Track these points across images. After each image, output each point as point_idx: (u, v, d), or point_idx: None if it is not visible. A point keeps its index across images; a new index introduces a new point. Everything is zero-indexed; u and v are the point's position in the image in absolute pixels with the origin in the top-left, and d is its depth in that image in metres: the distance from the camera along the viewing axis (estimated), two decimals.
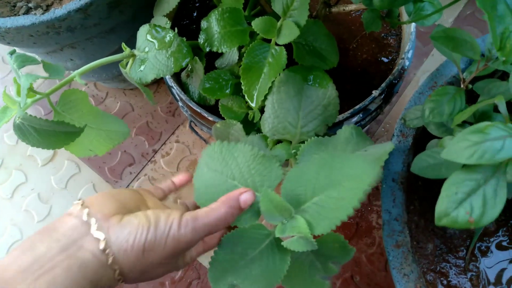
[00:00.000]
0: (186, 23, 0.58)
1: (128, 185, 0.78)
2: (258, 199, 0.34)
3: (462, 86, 0.36)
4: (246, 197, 0.33)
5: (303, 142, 0.39)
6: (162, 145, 0.81)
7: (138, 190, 0.36)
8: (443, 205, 0.27)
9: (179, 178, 0.43)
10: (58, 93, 0.47)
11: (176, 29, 0.45)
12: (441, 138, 0.36)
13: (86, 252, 0.27)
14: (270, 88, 0.41)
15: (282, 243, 0.31)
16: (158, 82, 0.85)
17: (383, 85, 0.46)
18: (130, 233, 0.29)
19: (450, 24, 0.83)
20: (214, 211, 0.31)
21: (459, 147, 0.26)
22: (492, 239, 0.38)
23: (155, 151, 0.81)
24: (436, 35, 0.33)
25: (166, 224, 0.30)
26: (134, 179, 0.79)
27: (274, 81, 0.41)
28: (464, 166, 0.29)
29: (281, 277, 0.30)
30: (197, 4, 0.60)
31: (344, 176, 0.29)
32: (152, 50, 0.42)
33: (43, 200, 0.80)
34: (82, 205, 0.30)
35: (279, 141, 0.42)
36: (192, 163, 0.79)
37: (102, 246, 0.28)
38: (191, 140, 0.81)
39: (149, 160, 0.80)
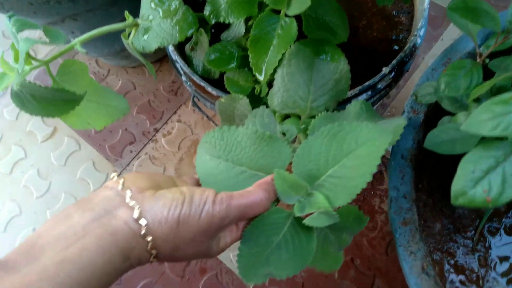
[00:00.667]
0: None
1: (128, 164, 0.78)
2: None
3: (478, 60, 0.34)
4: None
5: (312, 117, 0.38)
6: (163, 124, 0.80)
7: (171, 176, 0.35)
8: (459, 183, 0.26)
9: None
10: (57, 64, 0.45)
11: None
12: (454, 114, 0.35)
13: (119, 220, 0.27)
14: (280, 61, 0.40)
15: (303, 221, 0.30)
16: (161, 60, 0.84)
17: (394, 62, 0.45)
18: (164, 204, 0.28)
19: None
20: (249, 193, 0.30)
21: (481, 119, 0.24)
22: (502, 220, 0.38)
23: (157, 130, 0.80)
24: (454, 6, 0.31)
25: (201, 199, 0.29)
26: (134, 157, 0.78)
27: (284, 54, 0.39)
28: (481, 143, 0.28)
29: (311, 255, 0.29)
30: None
31: (357, 143, 0.28)
32: (156, 19, 0.40)
33: (42, 176, 0.79)
34: (117, 177, 0.31)
35: (287, 116, 0.41)
36: (193, 143, 0.78)
37: (136, 214, 0.27)
38: (193, 119, 0.79)
39: (150, 139, 0.79)
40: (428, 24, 0.83)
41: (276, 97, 0.39)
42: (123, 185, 0.29)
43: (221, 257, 0.69)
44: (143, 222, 0.27)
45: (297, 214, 0.30)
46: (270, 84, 0.41)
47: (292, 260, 0.30)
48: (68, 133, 0.82)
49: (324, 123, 0.36)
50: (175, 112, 0.81)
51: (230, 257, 0.69)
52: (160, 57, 0.83)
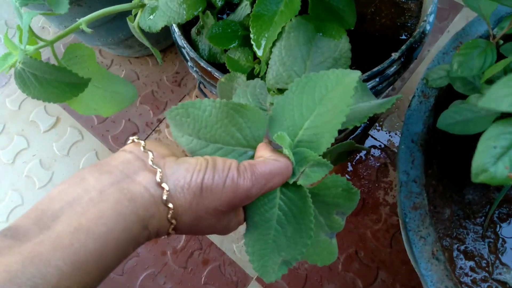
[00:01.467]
0: None
1: None
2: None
3: (492, 41, 0.34)
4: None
5: None
6: None
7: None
8: (480, 160, 0.25)
9: None
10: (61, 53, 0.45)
11: None
12: (465, 98, 0.34)
13: (139, 185, 0.25)
14: (280, 34, 0.39)
15: (298, 183, 0.29)
16: (165, 51, 0.83)
17: (403, 47, 0.44)
18: (187, 170, 0.26)
19: None
20: (273, 160, 0.28)
21: (500, 94, 0.24)
22: None
23: (160, 121, 0.79)
24: None
25: (225, 166, 0.26)
26: None
27: (284, 27, 0.38)
28: (499, 120, 0.27)
29: (312, 219, 0.28)
30: None
31: (327, 89, 0.28)
32: None
33: (44, 167, 0.78)
34: (137, 140, 0.28)
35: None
36: None
37: (158, 178, 0.25)
38: None
39: (154, 130, 0.79)
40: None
41: (271, 70, 0.38)
42: (143, 148, 0.27)
43: (224, 248, 0.68)
44: (165, 186, 0.25)
45: (291, 181, 0.29)
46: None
47: (297, 233, 0.29)
48: (71, 123, 0.81)
49: None
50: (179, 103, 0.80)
51: (233, 249, 0.68)
52: (163, 47, 0.82)
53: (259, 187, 0.27)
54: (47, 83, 0.42)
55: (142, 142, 0.27)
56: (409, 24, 0.51)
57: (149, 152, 0.26)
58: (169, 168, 0.26)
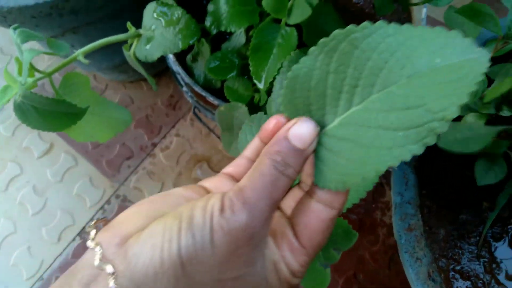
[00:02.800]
0: (191, 8, 0.57)
1: (126, 179, 0.77)
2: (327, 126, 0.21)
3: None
4: (298, 131, 0.21)
5: None
6: (161, 139, 0.80)
7: (197, 188, 0.24)
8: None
9: (264, 131, 0.24)
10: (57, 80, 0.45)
11: None
12: (460, 117, 0.35)
13: None
14: (279, 69, 0.40)
15: None
16: (159, 75, 0.84)
17: None
18: (154, 246, 0.19)
19: None
20: (258, 169, 0.20)
21: None
22: (505, 225, 0.38)
23: (155, 145, 0.79)
24: (462, 9, 0.32)
25: (205, 213, 0.19)
26: (132, 172, 0.77)
27: (283, 61, 0.40)
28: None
29: None
30: None
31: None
32: (159, 28, 0.41)
33: (38, 193, 0.78)
34: (95, 223, 0.23)
35: None
36: (192, 158, 0.77)
37: (111, 283, 0.19)
38: (192, 134, 0.79)
39: (148, 154, 0.79)
40: None
41: (274, 103, 0.39)
42: (93, 240, 0.21)
43: None
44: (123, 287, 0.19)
45: None
46: (269, 93, 0.42)
47: None
48: (65, 149, 0.81)
49: None
50: (173, 127, 0.81)
51: None
52: (158, 70, 0.83)
53: (262, 216, 0.20)
54: (46, 114, 0.42)
55: (92, 233, 0.21)
56: None
57: (97, 250, 0.20)
58: (130, 256, 0.19)
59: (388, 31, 0.19)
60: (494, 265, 0.37)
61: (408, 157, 0.18)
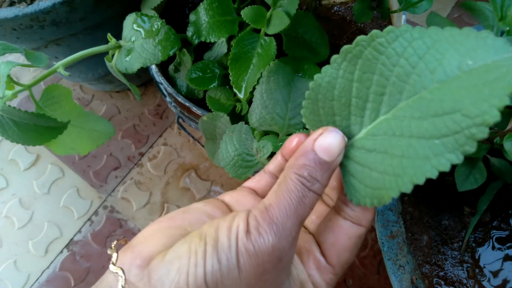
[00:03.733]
0: (175, 18, 0.57)
1: (113, 190, 0.76)
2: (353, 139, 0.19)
3: None
4: (324, 142, 0.20)
5: (290, 134, 0.38)
6: (149, 148, 0.79)
7: (215, 202, 0.24)
8: None
9: (287, 148, 0.24)
10: (40, 91, 0.45)
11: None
12: None
13: None
14: (259, 79, 0.40)
15: None
16: (146, 84, 0.84)
17: None
18: (179, 271, 0.18)
19: None
20: (284, 186, 0.19)
21: None
22: (487, 229, 0.38)
23: (142, 154, 0.79)
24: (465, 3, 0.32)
25: (230, 234, 0.18)
26: (120, 183, 0.77)
27: (263, 71, 0.40)
28: None
29: None
30: (189, 0, 0.59)
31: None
32: (138, 39, 0.41)
33: (24, 206, 0.77)
34: (115, 245, 0.22)
35: (266, 134, 0.41)
36: (180, 166, 0.77)
37: None
38: (179, 142, 0.79)
39: (136, 164, 0.78)
40: None
41: (254, 113, 0.39)
42: (114, 264, 0.20)
43: None
44: None
45: None
46: (250, 102, 0.42)
47: None
48: (51, 161, 0.80)
49: None
50: (160, 136, 0.80)
51: None
52: (144, 81, 0.83)
53: (290, 235, 0.18)
54: (26, 128, 0.42)
55: (114, 256, 0.21)
56: None
57: (119, 274, 0.20)
58: (155, 282, 0.19)
59: (414, 35, 0.19)
60: (477, 270, 0.37)
61: (447, 167, 0.17)
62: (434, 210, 0.38)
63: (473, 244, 0.38)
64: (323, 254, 0.22)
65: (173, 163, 0.78)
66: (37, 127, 0.42)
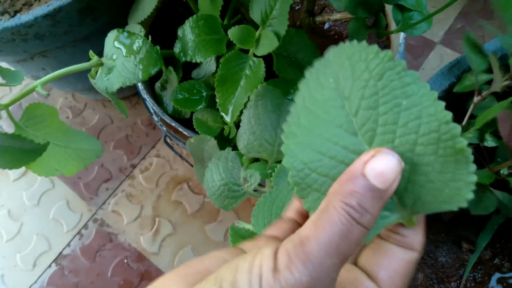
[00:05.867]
0: (165, 32, 0.55)
1: (104, 202, 0.74)
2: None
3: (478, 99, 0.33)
4: (378, 166, 0.17)
5: (280, 161, 0.36)
6: (141, 160, 0.77)
7: (246, 245, 0.21)
8: None
9: (293, 208, 0.23)
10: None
11: (150, 37, 0.42)
12: None
13: None
14: (247, 102, 0.38)
15: None
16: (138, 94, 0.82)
17: None
18: None
19: (440, 37, 0.82)
20: (326, 216, 0.16)
21: None
22: (488, 268, 0.35)
23: (134, 166, 0.77)
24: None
25: (252, 276, 0.16)
26: (110, 195, 0.75)
27: (250, 95, 0.37)
28: None
29: None
30: (182, 12, 0.57)
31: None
32: (119, 57, 0.39)
33: (13, 218, 0.75)
34: None
35: (256, 160, 0.39)
36: (172, 179, 0.75)
37: None
38: (172, 154, 0.77)
39: (127, 176, 0.76)
40: (409, 53, 0.83)
41: (242, 139, 0.37)
42: None
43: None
44: None
45: None
46: (239, 125, 0.39)
47: None
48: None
49: None
50: (153, 147, 0.78)
51: None
52: (136, 91, 0.81)
53: (329, 270, 0.16)
54: (3, 151, 0.40)
55: None
56: None
57: None
58: None
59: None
60: None
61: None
62: (430, 246, 0.36)
63: (472, 284, 0.35)
64: (376, 283, 0.19)
65: (166, 176, 0.75)
66: (14, 150, 0.40)
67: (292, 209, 0.23)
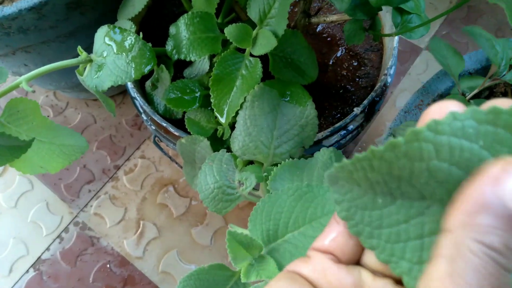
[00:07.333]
0: (155, 30, 0.54)
1: (86, 205, 0.72)
2: None
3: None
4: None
5: (276, 164, 0.35)
6: (125, 161, 0.75)
7: (303, 266, 0.17)
8: None
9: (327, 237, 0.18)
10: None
11: (141, 33, 0.40)
12: None
13: None
14: (243, 103, 0.37)
15: None
16: (124, 93, 0.80)
17: (365, 102, 0.43)
18: None
19: (426, 43, 0.83)
20: (462, 261, 0.12)
21: None
22: None
23: (118, 167, 0.75)
24: (469, 29, 0.30)
25: None
26: (93, 197, 0.72)
27: (247, 95, 0.37)
28: None
29: None
30: (173, 10, 0.56)
31: (323, 211, 0.25)
32: (110, 55, 0.37)
33: None
34: None
35: (251, 162, 0.38)
36: (158, 181, 0.73)
37: None
38: (158, 155, 0.75)
39: (111, 177, 0.74)
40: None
41: (237, 141, 0.36)
42: None
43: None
44: None
45: (244, 280, 0.26)
46: (233, 126, 0.39)
47: None
48: (20, 172, 0.75)
49: (288, 173, 0.33)
50: (138, 148, 0.76)
51: None
52: (123, 89, 0.79)
53: None
54: None
55: None
56: (370, 74, 0.50)
57: None
58: None
59: None
60: None
61: None
62: None
63: None
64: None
65: (151, 178, 0.74)
66: None
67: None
